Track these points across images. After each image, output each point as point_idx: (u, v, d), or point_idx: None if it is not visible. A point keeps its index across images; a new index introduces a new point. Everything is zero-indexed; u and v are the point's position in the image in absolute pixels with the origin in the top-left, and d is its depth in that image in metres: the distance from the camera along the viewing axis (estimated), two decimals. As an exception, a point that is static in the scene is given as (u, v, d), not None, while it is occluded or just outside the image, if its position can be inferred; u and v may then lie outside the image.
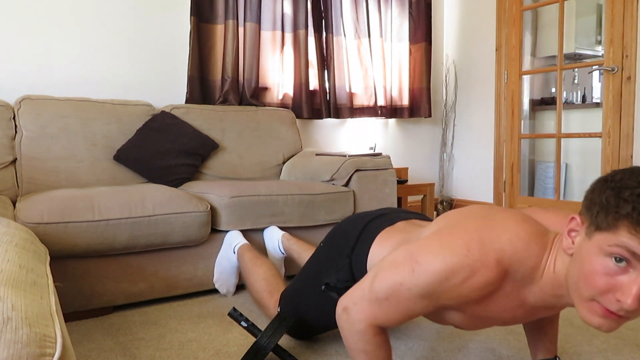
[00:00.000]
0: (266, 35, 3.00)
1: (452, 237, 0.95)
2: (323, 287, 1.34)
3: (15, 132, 2.15)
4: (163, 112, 2.45)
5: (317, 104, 3.19)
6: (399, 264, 0.99)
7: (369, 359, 1.06)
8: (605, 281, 0.79)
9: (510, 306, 0.97)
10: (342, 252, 1.33)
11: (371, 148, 3.50)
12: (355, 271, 1.29)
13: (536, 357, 1.29)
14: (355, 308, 1.04)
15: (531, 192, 4.02)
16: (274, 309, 1.54)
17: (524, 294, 0.95)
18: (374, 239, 1.27)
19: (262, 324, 1.65)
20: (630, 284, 0.76)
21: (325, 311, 1.37)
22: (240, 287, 2.03)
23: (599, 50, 4.06)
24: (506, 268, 0.91)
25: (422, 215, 1.43)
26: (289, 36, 3.07)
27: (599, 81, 4.07)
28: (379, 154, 2.59)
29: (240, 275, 1.96)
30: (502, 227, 0.93)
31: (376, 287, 1.01)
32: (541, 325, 1.26)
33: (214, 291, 2.01)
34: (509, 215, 0.97)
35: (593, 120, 3.60)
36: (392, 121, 3.73)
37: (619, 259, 0.78)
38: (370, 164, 2.37)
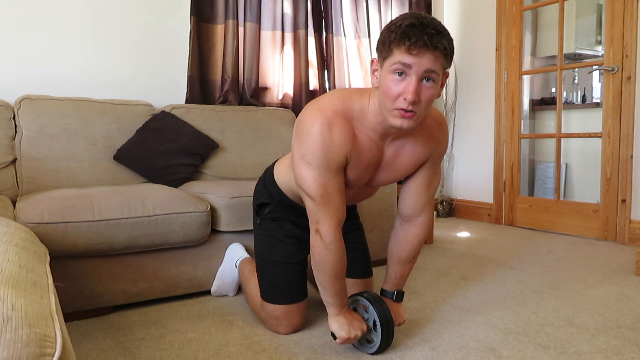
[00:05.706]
0: (266, 35, 3.00)
1: (301, 124, 1.30)
2: (259, 221, 1.64)
3: (15, 132, 2.15)
4: (163, 112, 2.45)
5: (317, 104, 3.19)
6: (298, 171, 1.31)
7: (332, 269, 1.33)
8: (395, 89, 1.16)
9: (369, 144, 1.32)
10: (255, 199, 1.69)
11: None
12: (270, 188, 1.62)
13: (384, 285, 1.56)
14: (319, 223, 1.32)
15: (531, 192, 4.02)
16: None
17: (367, 133, 1.31)
18: (272, 168, 1.64)
19: (257, 328, 1.65)
20: (408, 85, 1.14)
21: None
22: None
23: (599, 50, 4.06)
24: (341, 112, 1.28)
25: None
26: (289, 36, 3.07)
27: (599, 81, 4.07)
28: (379, 154, 2.58)
29: (238, 289, 1.97)
30: (328, 98, 1.32)
31: (310, 192, 1.29)
32: (402, 260, 1.53)
33: (214, 291, 2.01)
34: (332, 92, 1.35)
35: (593, 120, 3.59)
36: (392, 121, 3.73)
37: (399, 73, 1.15)
38: (370, 164, 2.37)
